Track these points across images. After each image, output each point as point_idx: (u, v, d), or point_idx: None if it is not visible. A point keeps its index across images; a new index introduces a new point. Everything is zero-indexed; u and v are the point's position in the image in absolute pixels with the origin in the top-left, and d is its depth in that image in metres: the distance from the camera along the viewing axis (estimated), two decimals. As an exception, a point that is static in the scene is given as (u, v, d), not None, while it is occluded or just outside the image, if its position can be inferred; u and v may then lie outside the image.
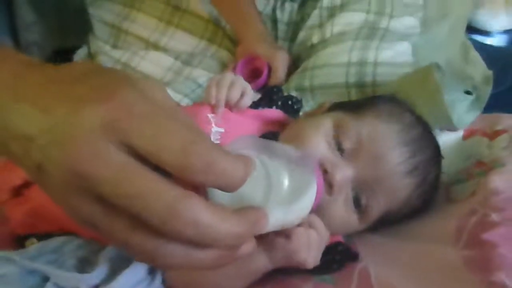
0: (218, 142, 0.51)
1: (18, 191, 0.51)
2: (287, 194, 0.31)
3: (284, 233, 0.42)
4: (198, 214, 0.24)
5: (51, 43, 0.99)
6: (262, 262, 0.43)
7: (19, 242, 0.52)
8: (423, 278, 0.40)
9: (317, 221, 0.43)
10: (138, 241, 0.25)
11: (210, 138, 0.26)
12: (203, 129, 0.51)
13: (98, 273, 0.41)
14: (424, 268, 0.42)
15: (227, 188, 0.25)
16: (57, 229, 0.50)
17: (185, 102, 0.76)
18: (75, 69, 0.28)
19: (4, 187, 0.52)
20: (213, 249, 0.26)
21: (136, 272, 0.42)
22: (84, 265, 0.45)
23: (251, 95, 0.57)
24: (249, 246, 0.27)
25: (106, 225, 0.25)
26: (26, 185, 0.51)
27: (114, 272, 0.43)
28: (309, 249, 0.42)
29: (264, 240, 0.41)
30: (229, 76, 0.57)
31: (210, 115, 0.54)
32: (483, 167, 0.53)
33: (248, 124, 0.55)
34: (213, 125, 0.52)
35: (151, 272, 0.44)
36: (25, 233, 0.52)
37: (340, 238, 0.48)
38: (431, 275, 0.41)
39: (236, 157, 0.25)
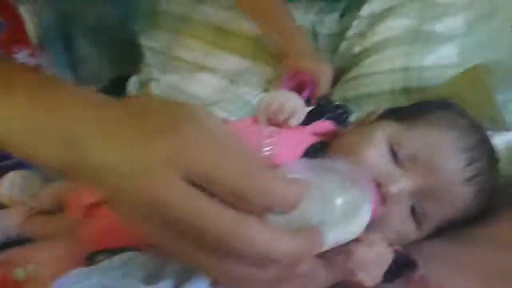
0: (269, 153, 0.52)
1: (92, 210, 0.55)
2: (342, 213, 0.32)
3: (343, 252, 0.42)
4: (255, 234, 0.26)
5: (106, 73, 1.06)
6: (323, 279, 0.43)
7: (89, 258, 0.57)
8: (487, 282, 0.39)
9: (377, 239, 0.43)
10: (203, 260, 0.27)
11: (264, 161, 0.29)
12: (255, 141, 0.53)
13: (166, 284, 0.44)
14: (487, 274, 0.41)
15: (283, 211, 0.27)
16: (126, 245, 0.53)
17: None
18: (141, 104, 0.31)
19: (79, 206, 0.56)
20: (272, 268, 0.27)
21: (199, 284, 0.45)
22: (153, 278, 0.48)
23: (303, 113, 0.57)
24: (307, 265, 0.29)
25: (175, 247, 0.28)
26: (98, 204, 0.55)
27: (180, 284, 0.45)
28: (368, 268, 0.42)
29: (325, 257, 0.41)
30: (279, 97, 0.57)
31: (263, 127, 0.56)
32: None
33: (298, 135, 0.56)
34: (264, 133, 0.54)
35: (213, 285, 0.46)
36: (95, 249, 0.56)
37: (397, 246, 0.48)
38: (496, 281, 0.40)
39: (291, 180, 0.27)
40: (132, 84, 0.95)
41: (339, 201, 0.32)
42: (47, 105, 0.32)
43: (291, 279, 0.29)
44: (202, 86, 0.89)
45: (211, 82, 0.90)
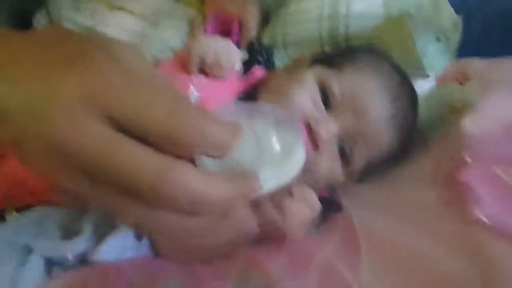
0: (196, 98, 0.50)
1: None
2: (278, 156, 0.31)
3: (278, 209, 0.42)
4: (189, 180, 0.23)
5: (6, 6, 0.93)
6: (252, 229, 0.43)
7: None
8: (404, 218, 0.42)
9: (311, 195, 0.43)
10: (129, 209, 0.24)
11: (193, 103, 0.26)
12: (181, 85, 0.50)
13: (84, 239, 0.41)
14: (404, 210, 0.44)
15: (216, 154, 0.25)
16: (35, 202, 0.49)
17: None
18: (45, 34, 0.26)
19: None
20: (204, 216, 0.26)
21: (123, 236, 0.42)
22: (67, 234, 0.44)
23: (239, 65, 0.54)
24: (241, 212, 0.27)
25: (95, 195, 0.24)
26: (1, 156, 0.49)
27: (100, 238, 0.43)
28: (302, 227, 0.43)
29: (258, 209, 0.41)
30: (214, 47, 0.53)
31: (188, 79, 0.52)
32: (456, 112, 0.55)
33: (227, 84, 0.54)
34: (191, 87, 0.51)
35: (138, 236, 0.44)
36: (2, 207, 0.51)
37: (323, 192, 0.49)
38: (411, 214, 0.42)
39: (223, 122, 0.25)
40: (38, 22, 0.84)
41: (274, 143, 0.30)
42: None
43: (222, 227, 0.27)
44: (119, 29, 0.81)
45: (130, 23, 0.83)
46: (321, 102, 0.49)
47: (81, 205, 0.26)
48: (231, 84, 0.54)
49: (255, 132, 0.30)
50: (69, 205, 0.46)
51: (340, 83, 0.49)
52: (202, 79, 0.52)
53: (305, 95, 0.48)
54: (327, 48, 0.72)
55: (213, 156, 0.25)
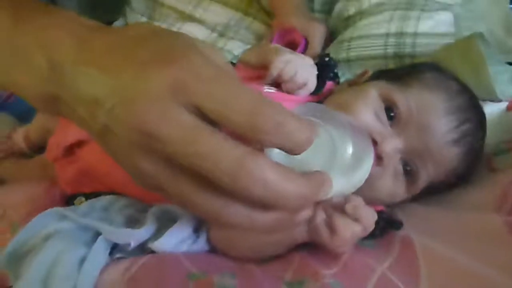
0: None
1: (70, 150, 0.54)
2: (349, 163, 0.31)
3: (329, 224, 0.41)
4: (267, 171, 0.24)
5: (88, 16, 1.01)
6: (302, 238, 0.43)
7: (67, 201, 0.55)
8: (467, 244, 0.40)
9: (365, 214, 0.41)
10: (204, 200, 0.25)
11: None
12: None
13: (148, 229, 0.43)
14: (467, 235, 0.42)
15: (292, 150, 0.25)
16: (104, 189, 0.52)
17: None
18: (138, 31, 0.28)
19: (58, 145, 0.54)
20: (275, 212, 0.26)
21: (182, 230, 0.44)
22: (131, 222, 0.47)
23: (313, 85, 0.54)
24: (306, 213, 0.27)
25: (172, 185, 0.25)
26: (78, 144, 0.53)
27: (160, 229, 0.45)
28: (350, 245, 0.42)
29: (311, 220, 0.41)
30: (299, 57, 0.54)
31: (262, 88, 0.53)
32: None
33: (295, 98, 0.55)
34: (264, 87, 0.52)
35: (197, 230, 0.45)
36: (73, 192, 0.55)
37: (382, 207, 0.48)
38: (475, 241, 0.40)
39: (303, 120, 0.25)
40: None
41: (349, 150, 0.30)
42: (31, 27, 0.29)
43: (289, 226, 0.28)
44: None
45: (200, 33, 0.87)
46: (385, 117, 0.48)
47: (151, 195, 0.28)
48: (297, 100, 0.55)
49: (331, 136, 0.30)
50: (140, 195, 0.49)
51: (406, 99, 0.48)
52: (271, 90, 0.53)
53: (369, 109, 0.48)
54: (391, 66, 0.72)
55: (289, 152, 0.25)
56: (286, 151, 0.25)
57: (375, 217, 0.43)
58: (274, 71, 0.51)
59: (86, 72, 0.26)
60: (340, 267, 0.40)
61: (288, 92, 0.52)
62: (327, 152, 0.30)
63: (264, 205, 0.25)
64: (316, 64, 0.55)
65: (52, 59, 0.28)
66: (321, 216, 0.41)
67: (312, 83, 0.54)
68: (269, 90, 0.53)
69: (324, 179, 0.27)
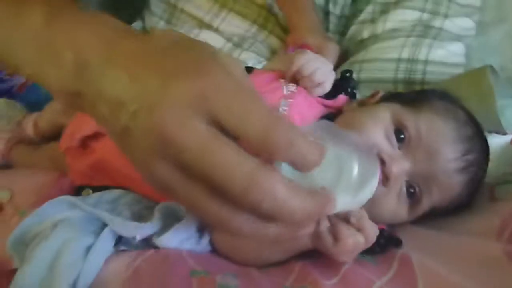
0: (286, 110, 0.52)
1: (84, 142, 0.55)
2: (355, 182, 0.32)
3: (333, 232, 0.42)
4: (277, 186, 0.25)
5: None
6: (305, 245, 0.44)
7: (75, 192, 0.56)
8: (466, 268, 0.41)
9: (368, 226, 0.43)
10: (213, 208, 0.26)
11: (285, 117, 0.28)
12: (270, 99, 0.53)
13: (154, 224, 0.44)
14: (466, 259, 0.43)
15: (303, 167, 0.26)
16: (113, 184, 0.53)
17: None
18: (165, 40, 0.29)
19: (73, 136, 0.55)
20: (280, 225, 0.27)
21: (187, 229, 0.45)
22: (137, 217, 0.48)
23: (329, 85, 0.57)
24: (309, 227, 0.29)
25: (183, 190, 0.26)
26: (94, 137, 0.54)
27: (165, 226, 0.46)
28: (352, 254, 0.43)
29: (315, 228, 0.42)
30: (320, 58, 0.57)
31: (283, 83, 0.55)
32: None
33: (312, 101, 0.56)
34: (284, 92, 0.54)
35: (200, 230, 0.46)
36: (82, 184, 0.56)
37: (383, 226, 0.49)
38: (473, 265, 0.41)
39: (313, 142, 0.26)
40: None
41: (355, 169, 0.31)
42: (63, 26, 0.31)
43: (290, 238, 0.29)
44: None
45: (216, 42, 0.88)
46: (395, 139, 0.49)
47: (160, 194, 0.29)
48: (315, 106, 0.56)
49: (339, 155, 0.31)
50: (149, 193, 0.50)
51: (416, 121, 0.49)
52: (291, 95, 0.54)
53: (379, 130, 0.49)
54: (400, 91, 0.73)
55: (297, 169, 0.27)
56: (294, 168, 0.26)
57: (377, 231, 0.44)
58: (294, 66, 0.53)
59: (113, 74, 0.28)
60: (340, 278, 0.41)
61: (305, 89, 0.54)
62: (334, 171, 0.31)
63: (270, 217, 0.26)
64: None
65: (80, 57, 0.29)
66: (325, 224, 0.42)
67: (329, 85, 0.56)
68: (289, 87, 0.54)
69: (329, 197, 0.28)
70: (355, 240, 0.42)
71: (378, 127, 0.49)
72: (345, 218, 0.43)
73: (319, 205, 0.27)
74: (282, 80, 0.56)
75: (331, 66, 0.57)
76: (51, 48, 0.30)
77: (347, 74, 0.60)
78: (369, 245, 0.44)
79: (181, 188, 0.26)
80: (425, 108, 0.51)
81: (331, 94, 0.58)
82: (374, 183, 0.34)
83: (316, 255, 0.46)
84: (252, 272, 0.42)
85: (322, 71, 0.55)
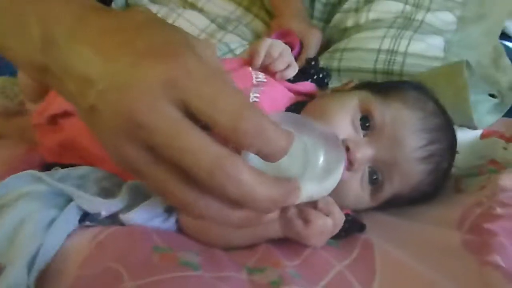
0: (256, 99, 0.52)
1: (54, 120, 0.54)
2: (321, 170, 0.32)
3: (302, 216, 0.43)
4: (242, 172, 0.25)
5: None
6: (275, 232, 0.45)
7: (44, 169, 0.55)
8: (423, 254, 0.42)
9: (336, 210, 0.45)
10: (179, 191, 0.26)
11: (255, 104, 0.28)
12: (247, 83, 0.53)
13: (120, 201, 0.44)
14: (426, 246, 0.44)
15: (269, 156, 0.27)
16: (82, 163, 0.52)
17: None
18: (136, 18, 0.29)
19: (44, 113, 0.54)
20: (245, 211, 0.27)
21: (154, 207, 0.45)
22: (105, 194, 0.47)
23: (295, 69, 0.58)
24: (274, 214, 0.29)
25: (151, 172, 0.27)
26: (63, 115, 0.53)
27: (133, 204, 0.46)
28: (321, 236, 0.44)
29: (284, 214, 0.43)
30: (281, 44, 0.57)
31: (253, 72, 0.55)
32: (496, 165, 0.55)
33: (282, 89, 0.57)
34: (254, 81, 0.54)
35: (168, 210, 0.46)
36: (51, 161, 0.55)
37: (349, 211, 0.50)
38: (431, 252, 0.43)
39: (281, 129, 0.27)
40: (116, 6, 0.91)
41: (321, 158, 0.32)
42: None
43: (255, 225, 0.29)
44: (189, 24, 0.86)
45: (199, 22, 0.88)
46: (359, 126, 0.50)
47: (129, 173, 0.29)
48: (286, 94, 0.57)
49: (305, 144, 0.32)
50: (118, 172, 0.49)
51: (383, 110, 0.50)
52: (261, 83, 0.55)
53: (346, 117, 0.50)
54: (379, 81, 0.74)
55: (264, 158, 0.27)
56: (262, 157, 0.27)
57: (343, 217, 0.45)
58: (262, 51, 0.55)
59: (81, 49, 0.27)
60: (302, 260, 0.41)
61: (275, 74, 0.56)
62: (300, 160, 0.31)
63: (235, 203, 0.26)
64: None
65: (47, 32, 0.28)
66: (292, 210, 0.43)
67: (295, 66, 0.58)
68: (258, 76, 0.55)
69: (294, 185, 0.28)
70: (325, 221, 0.43)
71: (344, 114, 0.50)
72: (312, 204, 0.44)
73: (284, 192, 0.27)
74: (251, 68, 0.56)
75: (289, 50, 0.59)
76: (18, 20, 0.30)
77: (312, 63, 0.61)
78: (337, 229, 0.45)
79: (148, 170, 0.27)
80: (395, 98, 0.52)
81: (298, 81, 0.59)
82: (339, 171, 0.35)
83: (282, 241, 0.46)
84: (216, 251, 0.42)
85: (288, 53, 0.56)
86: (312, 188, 0.33)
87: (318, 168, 0.32)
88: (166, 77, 0.25)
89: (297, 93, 0.59)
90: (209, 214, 0.27)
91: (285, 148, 0.27)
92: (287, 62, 0.56)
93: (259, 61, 0.55)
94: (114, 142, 0.26)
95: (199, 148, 0.25)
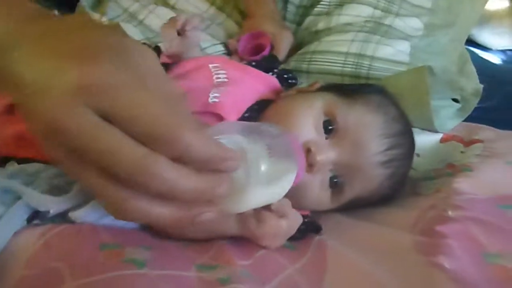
0: (214, 101, 0.52)
1: (11, 110, 0.53)
2: (264, 178, 0.33)
3: (255, 219, 0.43)
4: (163, 169, 0.26)
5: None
6: (231, 230, 0.45)
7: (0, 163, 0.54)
8: (376, 256, 0.42)
9: (291, 212, 0.45)
10: (107, 191, 0.27)
11: (187, 110, 0.29)
12: (202, 85, 0.52)
13: (69, 199, 0.43)
14: (377, 247, 0.44)
15: (192, 162, 0.27)
16: (39, 157, 0.51)
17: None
18: (71, 23, 0.30)
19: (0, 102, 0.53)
20: (173, 205, 0.28)
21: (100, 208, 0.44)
22: (57, 192, 0.46)
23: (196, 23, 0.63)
24: (209, 214, 0.30)
25: (78, 174, 0.28)
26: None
27: (86, 202, 0.45)
28: (274, 238, 0.44)
29: (241, 215, 0.43)
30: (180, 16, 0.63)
31: (213, 71, 0.55)
32: (452, 169, 0.56)
33: (250, 85, 0.56)
34: (214, 81, 0.53)
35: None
36: (7, 154, 0.53)
37: (308, 212, 0.50)
38: (383, 253, 0.43)
39: (208, 137, 0.28)
40: (87, 3, 0.89)
41: (263, 167, 0.33)
42: None
43: (189, 223, 0.30)
44: (160, 21, 0.85)
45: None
46: (322, 128, 0.50)
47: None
48: (254, 84, 0.56)
49: (251, 151, 0.32)
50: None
51: (346, 113, 0.50)
52: (224, 83, 0.54)
53: (309, 118, 0.50)
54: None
55: (186, 162, 0.27)
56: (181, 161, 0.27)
57: (301, 219, 0.45)
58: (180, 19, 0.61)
59: (19, 55, 0.28)
60: (253, 261, 0.41)
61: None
62: (244, 167, 0.32)
63: (163, 197, 0.27)
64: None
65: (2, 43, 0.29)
66: (248, 211, 0.43)
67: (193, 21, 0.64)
68: (219, 76, 0.54)
69: (221, 178, 0.29)
70: (278, 222, 0.44)
71: (308, 117, 0.50)
72: (268, 206, 0.44)
73: (210, 183, 0.28)
74: (212, 66, 0.55)
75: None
76: None
77: (274, 60, 0.63)
78: (292, 231, 0.45)
79: (75, 171, 0.28)
80: (359, 101, 0.52)
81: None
82: (290, 177, 0.36)
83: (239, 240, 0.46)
84: (169, 246, 0.42)
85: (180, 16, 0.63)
86: (260, 193, 0.33)
87: (260, 175, 0.33)
88: (80, 82, 0.26)
89: (265, 84, 0.59)
90: (139, 213, 0.28)
91: (205, 156, 0.27)
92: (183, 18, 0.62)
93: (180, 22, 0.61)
94: (44, 144, 0.28)
95: (118, 149, 0.26)
